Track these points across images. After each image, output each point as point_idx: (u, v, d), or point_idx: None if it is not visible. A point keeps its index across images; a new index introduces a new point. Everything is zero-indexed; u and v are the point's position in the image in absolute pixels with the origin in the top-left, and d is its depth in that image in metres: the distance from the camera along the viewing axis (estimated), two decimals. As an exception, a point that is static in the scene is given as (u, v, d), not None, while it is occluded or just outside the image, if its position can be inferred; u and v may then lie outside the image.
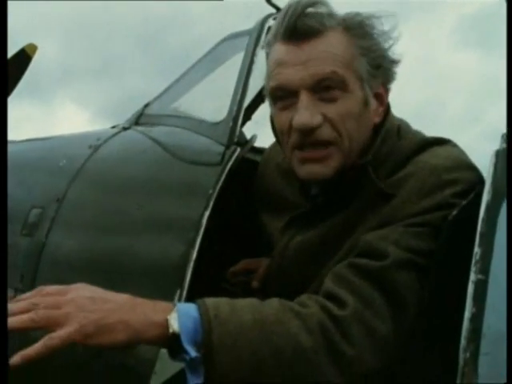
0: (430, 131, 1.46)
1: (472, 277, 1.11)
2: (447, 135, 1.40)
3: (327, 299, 1.17)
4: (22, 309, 1.02)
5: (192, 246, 1.52)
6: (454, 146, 1.37)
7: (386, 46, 1.34)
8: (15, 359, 0.97)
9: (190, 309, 1.10)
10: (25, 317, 1.01)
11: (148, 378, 1.46)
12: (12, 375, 1.83)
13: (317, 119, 1.27)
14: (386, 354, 1.18)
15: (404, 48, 1.38)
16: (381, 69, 1.34)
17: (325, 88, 1.27)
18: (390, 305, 1.18)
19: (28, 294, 1.08)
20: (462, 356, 1.08)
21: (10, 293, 1.98)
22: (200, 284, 1.53)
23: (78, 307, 1.03)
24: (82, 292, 1.07)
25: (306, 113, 1.26)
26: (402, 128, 1.40)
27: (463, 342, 1.09)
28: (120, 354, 1.61)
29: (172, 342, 1.07)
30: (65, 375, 1.76)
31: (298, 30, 1.26)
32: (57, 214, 1.95)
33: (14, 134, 2.55)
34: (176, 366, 1.42)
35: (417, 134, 1.43)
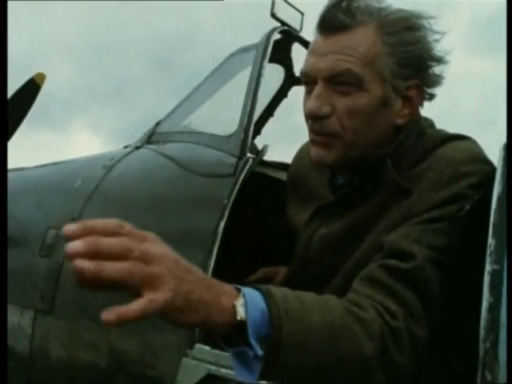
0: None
1: (488, 267, 1.12)
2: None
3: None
4: (116, 250, 0.81)
5: (209, 255, 1.54)
6: (474, 142, 1.39)
7: (425, 46, 1.32)
8: (109, 316, 0.77)
9: (257, 298, 0.99)
10: (124, 267, 0.80)
11: (171, 388, 1.47)
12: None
13: (324, 110, 1.30)
14: (422, 355, 1.18)
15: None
16: (412, 69, 1.32)
17: (339, 82, 1.29)
18: (422, 305, 1.18)
19: (108, 225, 0.83)
20: (482, 346, 1.09)
21: (29, 313, 2.00)
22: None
23: (168, 269, 0.84)
24: (164, 248, 0.87)
25: (315, 101, 1.30)
26: (426, 126, 1.42)
27: (482, 332, 1.10)
28: (143, 366, 1.63)
29: (235, 331, 0.95)
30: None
31: (329, 22, 1.30)
32: (74, 234, 1.96)
33: (31, 162, 2.59)
34: (198, 375, 1.44)
35: (439, 131, 1.44)
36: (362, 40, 1.29)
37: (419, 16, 1.34)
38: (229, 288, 0.98)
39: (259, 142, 2.36)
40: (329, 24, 1.30)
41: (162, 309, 0.82)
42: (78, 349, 1.86)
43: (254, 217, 2.14)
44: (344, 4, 1.29)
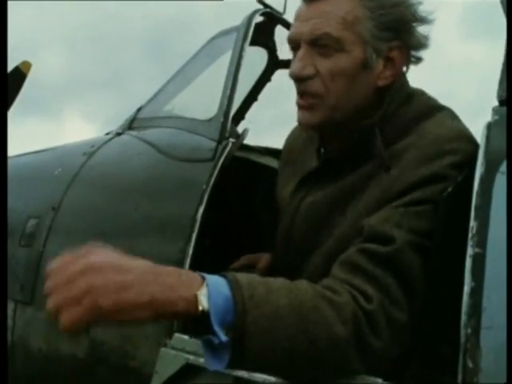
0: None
1: (469, 251, 1.09)
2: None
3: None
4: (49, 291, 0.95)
5: (188, 241, 1.52)
6: (455, 116, 1.38)
7: (406, 6, 1.34)
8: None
9: (221, 285, 1.01)
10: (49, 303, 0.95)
11: (149, 378, 1.44)
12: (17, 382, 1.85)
13: (307, 71, 1.34)
14: (404, 340, 1.17)
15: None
16: (393, 31, 1.34)
17: (320, 45, 1.33)
18: (403, 289, 1.16)
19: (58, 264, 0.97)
20: (464, 332, 1.07)
21: (10, 305, 1.97)
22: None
23: (97, 277, 0.93)
24: (101, 257, 0.97)
25: (298, 63, 1.34)
26: (414, 95, 1.41)
27: (464, 317, 1.07)
28: (123, 356, 1.60)
29: (199, 320, 0.98)
30: (70, 381, 1.75)
31: None
32: (53, 223, 1.94)
33: (23, 150, 2.56)
34: (176, 364, 1.41)
35: (427, 100, 1.42)
36: (341, 5, 1.33)
37: None
38: (191, 277, 0.99)
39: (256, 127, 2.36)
40: None
41: (88, 318, 0.92)
42: (58, 340, 1.83)
43: (239, 202, 2.11)
44: None
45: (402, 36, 1.35)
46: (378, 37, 1.33)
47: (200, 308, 0.96)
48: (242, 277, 1.04)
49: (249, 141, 1.87)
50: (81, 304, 0.91)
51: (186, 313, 0.96)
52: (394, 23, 1.34)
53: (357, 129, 1.37)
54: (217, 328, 0.97)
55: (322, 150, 1.49)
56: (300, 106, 1.39)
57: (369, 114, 1.36)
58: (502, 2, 1.31)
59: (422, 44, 1.39)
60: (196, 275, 1.00)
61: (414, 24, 1.36)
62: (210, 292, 0.98)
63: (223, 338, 0.97)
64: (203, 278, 1.00)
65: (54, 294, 0.94)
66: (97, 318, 0.92)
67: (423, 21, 1.37)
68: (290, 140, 1.70)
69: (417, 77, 1.47)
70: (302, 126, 1.43)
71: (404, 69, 1.41)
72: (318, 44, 1.32)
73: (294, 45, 1.38)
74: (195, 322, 0.98)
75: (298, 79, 1.35)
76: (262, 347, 1.01)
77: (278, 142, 2.08)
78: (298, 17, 1.38)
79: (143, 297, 0.93)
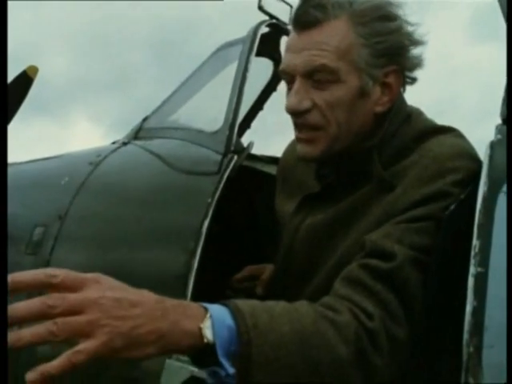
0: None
1: (472, 270, 1.09)
2: (463, 129, 1.40)
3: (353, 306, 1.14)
4: (35, 313, 0.82)
5: (193, 255, 1.52)
6: (460, 135, 1.37)
7: (400, 32, 1.32)
8: (32, 375, 0.79)
9: (224, 315, 0.99)
10: (41, 329, 0.81)
11: (154, 389, 1.45)
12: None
13: (304, 105, 1.31)
14: (403, 357, 1.16)
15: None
16: (389, 57, 1.32)
17: (316, 77, 1.30)
18: (403, 306, 1.16)
19: (37, 277, 0.85)
20: (466, 350, 1.07)
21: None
22: (204, 292, 1.53)
23: (103, 312, 0.85)
24: (105, 290, 0.88)
25: (294, 98, 1.31)
26: (412, 114, 1.40)
27: (466, 336, 1.07)
28: (127, 366, 1.61)
29: (205, 352, 0.96)
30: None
31: (301, 19, 1.31)
32: (60, 231, 1.95)
33: (28, 153, 2.57)
34: (181, 377, 1.42)
35: (425, 121, 1.42)
36: (334, 33, 1.29)
37: (391, 4, 1.33)
38: (195, 309, 0.98)
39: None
40: (301, 20, 1.31)
41: (98, 353, 0.83)
42: (61, 347, 1.84)
43: (242, 211, 2.12)
44: (315, 0, 1.29)
45: (397, 60, 1.33)
46: (374, 64, 1.30)
47: (205, 341, 0.94)
48: (244, 305, 1.03)
49: (254, 149, 1.88)
50: (94, 337, 0.84)
51: (192, 346, 0.95)
52: (390, 50, 1.32)
53: (355, 152, 1.36)
54: (223, 360, 0.96)
55: (323, 172, 1.47)
56: (299, 140, 1.37)
57: (367, 138, 1.35)
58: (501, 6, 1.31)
59: (416, 65, 1.37)
60: (200, 307, 0.98)
61: (409, 48, 1.35)
62: (213, 324, 0.96)
63: (230, 370, 0.96)
64: (206, 310, 0.98)
65: (52, 324, 0.83)
66: (106, 354, 0.85)
67: (418, 44, 1.35)
68: (287, 156, 1.67)
69: (423, 80, 1.45)
70: (302, 159, 1.40)
71: (401, 90, 1.39)
72: (313, 76, 1.30)
73: (287, 77, 1.35)
74: (201, 354, 0.97)
75: (296, 113, 1.33)
76: (267, 376, 1.00)
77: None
78: (289, 48, 1.34)
79: (152, 333, 0.90)
